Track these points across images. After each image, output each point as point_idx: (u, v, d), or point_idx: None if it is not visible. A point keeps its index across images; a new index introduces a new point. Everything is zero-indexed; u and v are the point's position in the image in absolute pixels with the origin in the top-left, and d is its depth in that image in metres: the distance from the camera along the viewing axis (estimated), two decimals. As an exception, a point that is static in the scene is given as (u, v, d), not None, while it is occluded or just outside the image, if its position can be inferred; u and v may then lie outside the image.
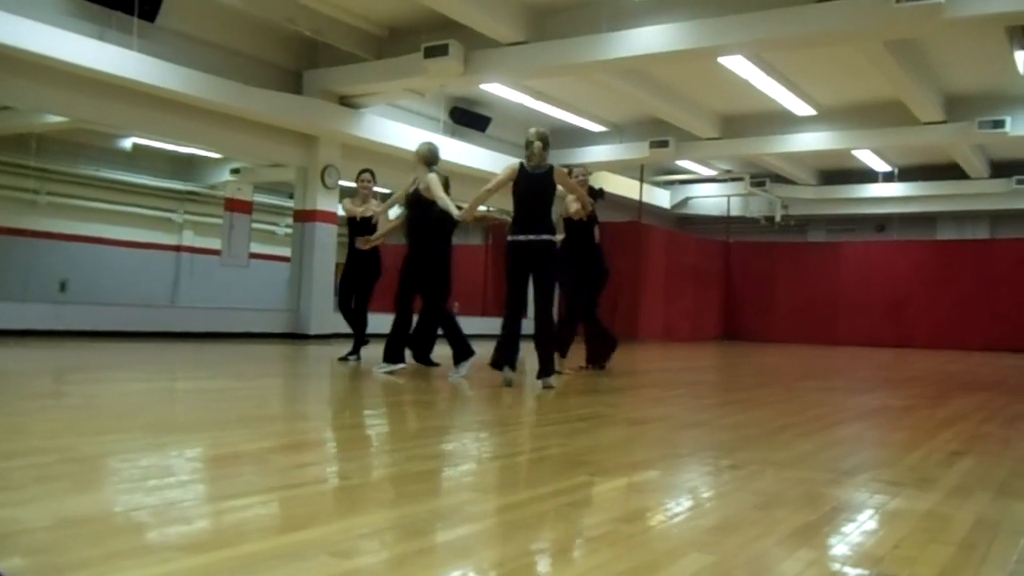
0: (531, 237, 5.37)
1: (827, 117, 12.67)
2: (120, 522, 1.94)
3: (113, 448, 2.90)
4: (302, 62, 10.91)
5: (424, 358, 6.74)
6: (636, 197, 15.94)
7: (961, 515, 2.26)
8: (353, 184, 7.84)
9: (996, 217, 17.38)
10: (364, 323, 7.43)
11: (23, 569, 1.53)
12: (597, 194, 6.82)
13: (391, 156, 11.74)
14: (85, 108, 9.01)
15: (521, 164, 5.47)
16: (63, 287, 13.41)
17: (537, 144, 5.42)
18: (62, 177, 13.60)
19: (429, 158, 6.16)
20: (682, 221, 19.83)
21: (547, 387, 5.27)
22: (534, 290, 5.48)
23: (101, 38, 8.41)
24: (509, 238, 5.48)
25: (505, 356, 5.51)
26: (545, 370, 5.36)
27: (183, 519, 1.97)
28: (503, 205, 7.07)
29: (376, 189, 7.62)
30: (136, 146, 12.92)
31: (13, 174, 12.92)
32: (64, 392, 4.83)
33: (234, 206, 11.73)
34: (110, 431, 3.30)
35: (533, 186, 5.43)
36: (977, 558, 1.86)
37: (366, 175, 7.44)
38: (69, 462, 2.57)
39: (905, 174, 16.47)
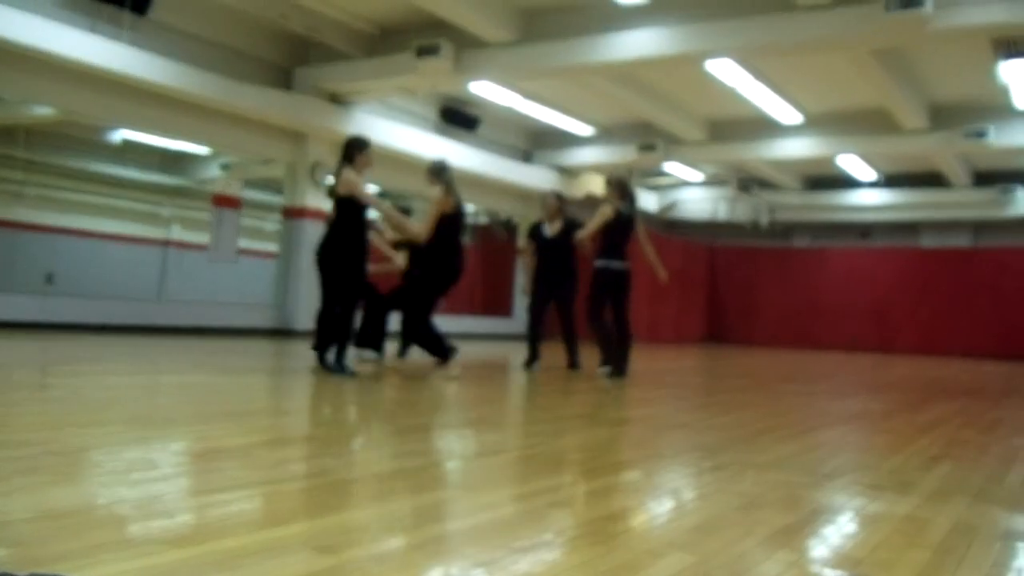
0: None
1: (814, 124, 12.72)
2: (102, 515, 1.94)
3: (96, 441, 2.89)
4: (293, 59, 10.88)
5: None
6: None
7: (939, 519, 2.29)
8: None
9: (978, 226, 17.51)
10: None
11: (3, 560, 1.53)
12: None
13: (380, 155, 11.69)
14: (74, 100, 8.96)
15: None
16: (49, 279, 13.34)
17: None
18: (50, 169, 13.54)
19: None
20: (669, 225, 19.89)
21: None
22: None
23: (92, 31, 8.36)
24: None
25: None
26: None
27: (166, 513, 1.97)
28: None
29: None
30: (125, 140, 12.85)
31: (0, 165, 12.85)
32: (48, 384, 4.80)
33: (223, 202, 11.69)
34: (93, 424, 3.29)
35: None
36: (954, 562, 1.89)
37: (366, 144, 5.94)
38: (51, 454, 2.56)
39: (890, 182, 16.57)
